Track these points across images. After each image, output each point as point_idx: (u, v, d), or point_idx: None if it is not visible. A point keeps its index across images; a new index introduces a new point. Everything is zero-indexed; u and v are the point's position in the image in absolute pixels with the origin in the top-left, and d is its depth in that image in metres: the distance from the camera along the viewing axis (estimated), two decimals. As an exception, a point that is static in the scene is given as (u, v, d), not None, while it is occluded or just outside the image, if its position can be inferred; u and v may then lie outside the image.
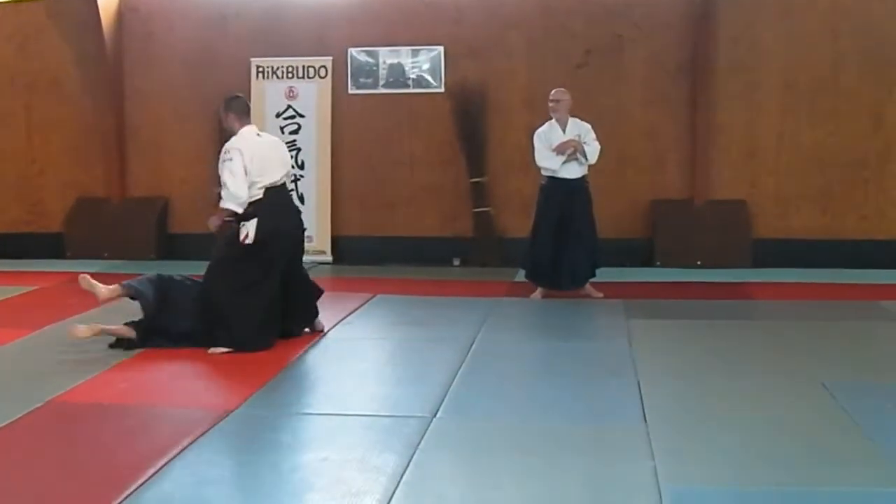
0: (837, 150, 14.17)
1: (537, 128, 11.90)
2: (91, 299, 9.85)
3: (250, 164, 9.31)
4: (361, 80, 15.04)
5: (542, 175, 11.89)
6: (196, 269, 13.89)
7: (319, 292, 10.12)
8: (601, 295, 11.91)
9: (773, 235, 14.26)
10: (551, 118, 11.78)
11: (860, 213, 14.24)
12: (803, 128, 14.26)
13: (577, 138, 11.56)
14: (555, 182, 11.72)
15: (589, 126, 11.71)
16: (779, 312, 11.31)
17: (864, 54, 14.10)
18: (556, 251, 11.75)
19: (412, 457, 6.38)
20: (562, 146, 11.51)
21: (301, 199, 14.97)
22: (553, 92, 11.84)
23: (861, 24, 14.09)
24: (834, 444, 6.69)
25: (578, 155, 11.57)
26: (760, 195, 14.38)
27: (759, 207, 14.37)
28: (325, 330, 10.02)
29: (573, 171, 11.69)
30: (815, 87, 14.22)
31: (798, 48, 14.21)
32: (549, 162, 11.67)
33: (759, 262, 14.01)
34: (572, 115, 11.76)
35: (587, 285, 12.00)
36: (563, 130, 11.65)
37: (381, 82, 14.92)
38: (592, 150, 11.63)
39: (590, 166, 11.77)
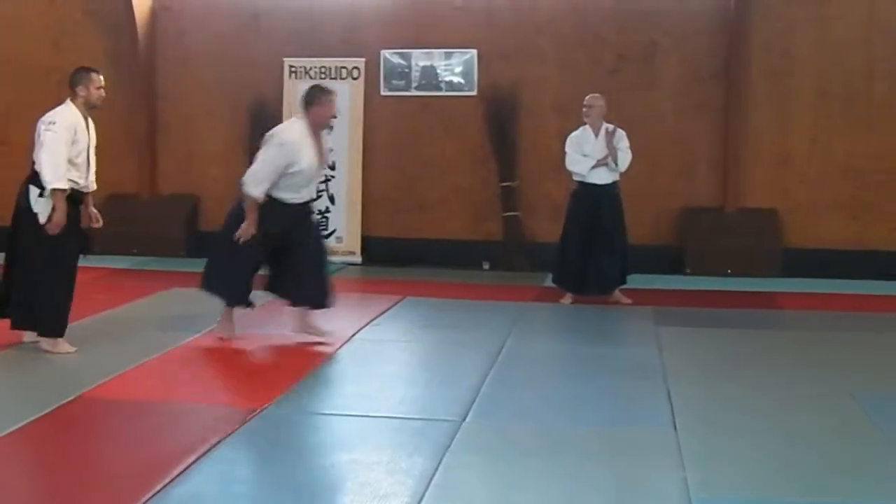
0: (870, 159, 14.09)
1: (569, 133, 11.89)
2: (120, 295, 9.88)
3: None
4: (394, 81, 15.05)
5: (573, 180, 11.87)
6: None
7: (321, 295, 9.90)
8: (629, 301, 11.88)
9: (804, 244, 14.18)
10: (584, 124, 11.76)
11: (892, 223, 14.14)
12: (836, 136, 14.19)
13: (610, 145, 11.52)
14: (585, 187, 11.71)
15: (623, 133, 11.67)
16: (808, 322, 11.24)
17: (898, 62, 14.04)
18: (585, 257, 11.73)
19: (441, 460, 6.37)
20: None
21: (332, 199, 15.00)
22: (587, 98, 11.82)
23: (895, 33, 14.01)
24: (863, 455, 6.66)
25: (609, 160, 11.55)
26: (791, 204, 14.31)
27: (789, 216, 14.31)
28: (352, 334, 10.00)
29: (603, 177, 11.67)
30: (848, 96, 14.15)
31: (831, 56, 14.15)
32: (578, 167, 11.66)
33: (788, 271, 13.94)
34: (606, 121, 11.73)
35: (616, 291, 11.97)
36: (596, 136, 11.62)
37: (414, 84, 14.92)
38: (624, 157, 11.60)
39: (620, 173, 11.75)
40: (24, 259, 9.03)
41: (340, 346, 9.50)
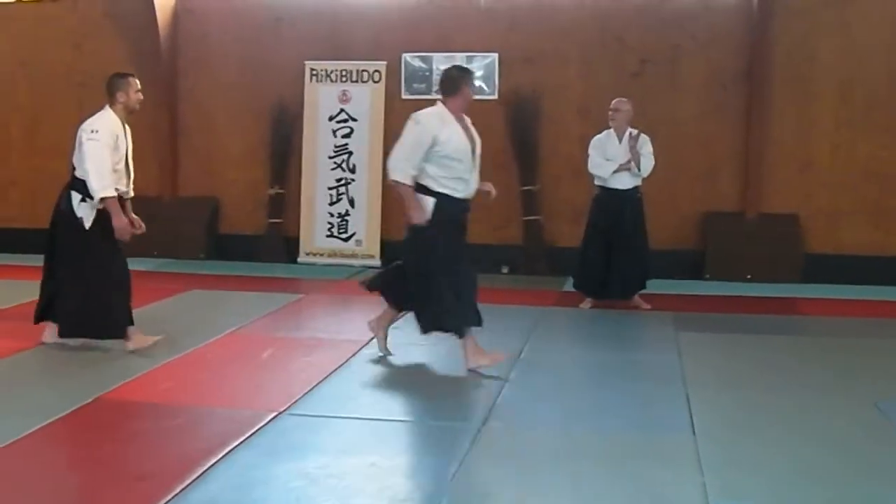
0: (892, 164, 14.06)
1: (591, 137, 11.87)
2: (140, 297, 9.87)
3: None
4: (415, 85, 15.06)
5: (594, 185, 11.85)
6: (243, 270, 14.01)
7: None
8: (649, 307, 11.85)
9: (825, 250, 14.15)
10: (609, 127, 11.72)
11: (914, 230, 14.13)
12: (858, 142, 14.16)
13: (634, 150, 11.47)
14: (607, 192, 11.68)
15: (647, 138, 11.62)
16: (829, 329, 11.21)
17: (921, 69, 14.01)
18: (606, 261, 11.70)
19: (460, 464, 6.36)
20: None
21: (352, 202, 15.03)
22: (614, 101, 11.78)
23: (917, 39, 14.00)
24: (885, 463, 6.61)
25: (632, 165, 11.51)
26: (813, 209, 14.28)
27: (811, 221, 14.28)
28: (371, 337, 9.95)
29: (625, 182, 11.63)
30: (870, 101, 14.12)
31: (854, 61, 14.12)
32: (600, 170, 11.63)
33: (809, 277, 13.91)
34: (631, 126, 11.68)
35: (636, 297, 11.94)
36: (620, 141, 11.58)
37: (435, 88, 14.86)
38: (647, 162, 11.54)
39: (643, 178, 11.71)
40: (68, 265, 9.06)
41: (359, 350, 9.49)
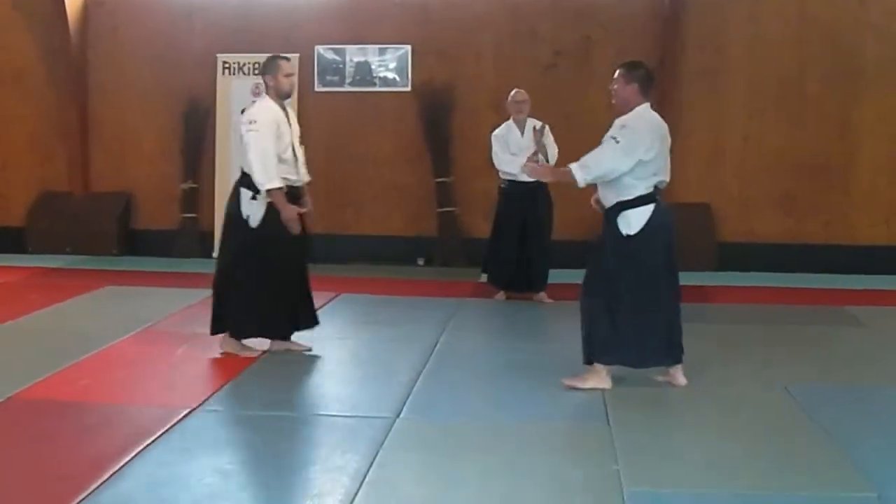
0: (802, 154, 14.24)
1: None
2: (52, 294, 9.77)
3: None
4: (328, 77, 15.01)
5: (500, 178, 11.83)
6: (157, 266, 13.90)
7: None
8: (551, 301, 11.78)
9: (738, 239, 14.31)
10: (509, 119, 11.70)
11: (824, 217, 14.31)
12: (768, 132, 14.33)
13: (541, 142, 11.43)
14: (515, 186, 11.62)
15: (547, 129, 11.60)
16: (742, 316, 11.33)
17: (830, 61, 14.20)
18: (516, 255, 11.71)
19: (375, 457, 6.36)
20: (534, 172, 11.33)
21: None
22: (516, 93, 11.73)
23: (827, 32, 14.17)
24: (797, 448, 6.71)
25: (540, 157, 11.49)
26: (725, 199, 14.43)
27: (723, 211, 14.43)
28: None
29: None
30: (780, 93, 14.29)
31: (764, 53, 14.28)
32: (508, 166, 11.51)
33: (723, 265, 14.07)
34: (529, 116, 11.66)
35: (541, 292, 11.92)
36: (522, 133, 11.56)
37: (348, 80, 14.89)
38: (553, 152, 11.49)
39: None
40: (234, 266, 8.85)
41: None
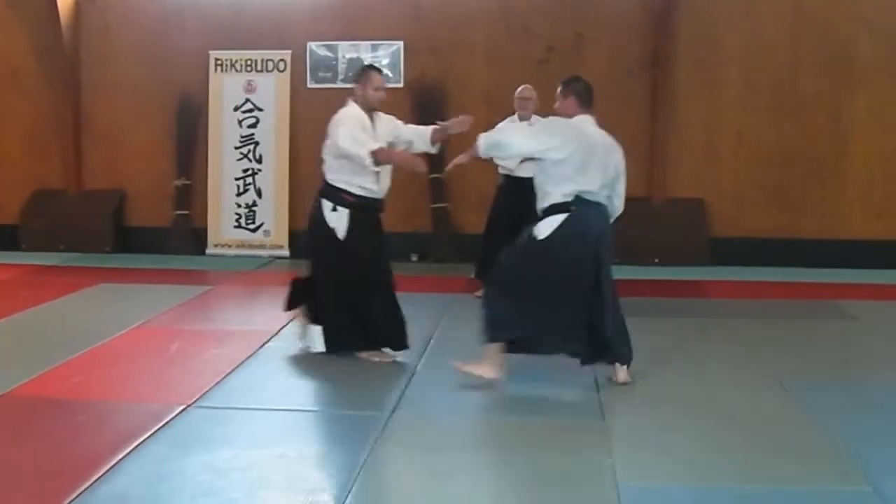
0: (795, 149, 14.25)
1: (495, 125, 11.80)
2: (46, 291, 9.76)
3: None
4: (320, 74, 14.99)
5: (499, 174, 11.81)
6: (151, 263, 13.89)
7: None
8: None
9: (731, 234, 14.30)
10: (514, 115, 11.65)
11: (817, 212, 14.32)
12: (762, 127, 14.33)
13: None
14: (512, 181, 11.58)
15: None
16: (736, 311, 11.33)
17: (824, 55, 14.19)
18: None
19: (370, 452, 6.36)
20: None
21: (259, 193, 14.95)
22: (522, 89, 11.64)
23: (820, 25, 14.17)
24: (791, 442, 6.72)
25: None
26: (718, 193, 14.43)
27: (716, 206, 14.42)
28: (280, 327, 9.91)
29: (531, 171, 11.57)
30: (773, 87, 14.29)
31: (758, 48, 14.28)
32: (506, 161, 11.51)
33: (716, 260, 14.07)
34: (535, 113, 11.63)
35: None
36: None
37: (341, 77, 14.86)
38: None
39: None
40: (328, 277, 8.78)
41: (268, 340, 9.44)
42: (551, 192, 8.00)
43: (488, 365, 7.98)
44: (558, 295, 7.92)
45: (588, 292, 8.00)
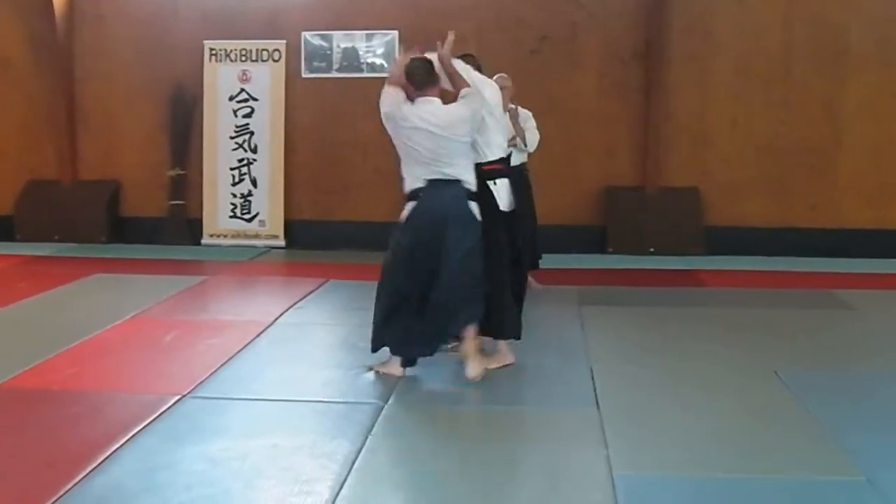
0: (789, 138, 14.26)
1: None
2: (41, 282, 9.75)
3: None
4: (315, 63, 14.98)
5: None
6: (146, 253, 13.88)
7: None
8: (540, 287, 11.69)
9: (725, 223, 14.31)
10: None
11: (811, 201, 14.33)
12: (755, 116, 14.34)
13: (517, 126, 11.29)
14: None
15: (529, 113, 11.50)
16: (731, 300, 11.34)
17: (816, 44, 14.20)
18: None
19: (364, 443, 6.38)
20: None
21: (254, 182, 14.94)
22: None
23: (813, 15, 14.17)
24: (785, 432, 6.74)
25: (518, 141, 11.43)
26: (712, 183, 14.43)
27: (711, 195, 14.43)
28: (275, 318, 9.93)
29: (513, 159, 11.54)
30: (767, 76, 14.30)
31: (751, 37, 14.29)
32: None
33: (711, 249, 14.08)
34: (517, 104, 11.57)
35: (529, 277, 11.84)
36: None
37: (335, 66, 14.86)
38: (532, 137, 11.41)
39: (529, 155, 11.57)
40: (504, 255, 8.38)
41: (263, 330, 9.45)
42: (409, 181, 8.06)
43: (390, 363, 8.00)
44: (402, 284, 7.91)
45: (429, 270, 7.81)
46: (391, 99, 7.98)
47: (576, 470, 6.00)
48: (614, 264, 13.48)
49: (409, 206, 7.97)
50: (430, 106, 7.89)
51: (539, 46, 14.54)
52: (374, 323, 7.97)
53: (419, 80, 7.98)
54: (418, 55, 8.23)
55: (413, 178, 7.95)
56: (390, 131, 7.99)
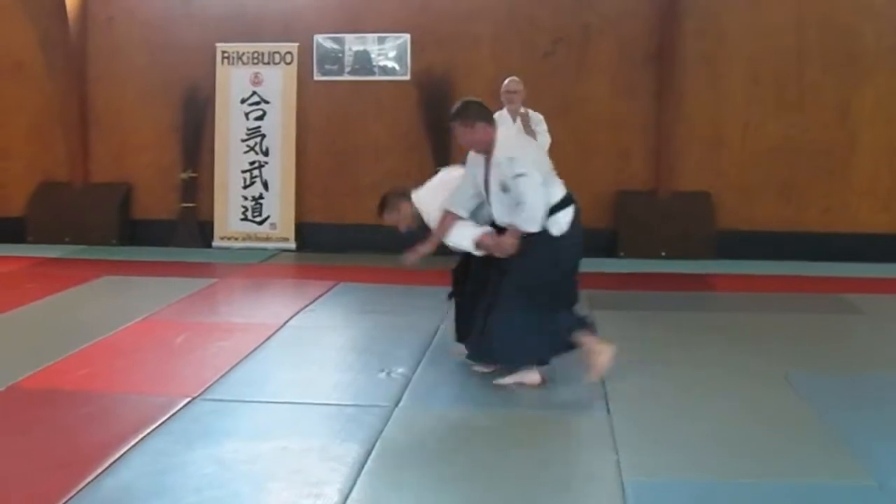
0: (802, 141, 14.23)
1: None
2: (52, 284, 9.75)
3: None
4: (327, 66, 14.98)
5: None
6: (157, 255, 13.89)
7: None
8: None
9: (738, 227, 14.29)
10: (502, 109, 11.48)
11: (824, 205, 14.30)
12: (768, 119, 14.31)
13: (528, 129, 11.24)
14: None
15: (541, 116, 11.47)
16: (742, 304, 11.32)
17: (830, 47, 14.17)
18: None
19: (374, 446, 6.38)
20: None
21: (265, 185, 14.94)
22: (508, 82, 11.48)
23: (826, 17, 14.14)
24: (796, 437, 6.71)
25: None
26: (725, 186, 14.41)
27: (723, 198, 14.40)
28: (286, 320, 9.93)
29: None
30: (780, 79, 14.27)
31: (764, 40, 14.25)
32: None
33: (723, 253, 14.04)
34: (528, 107, 11.54)
35: None
36: (514, 121, 11.43)
37: (347, 69, 14.87)
38: (544, 140, 11.39)
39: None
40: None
41: (274, 333, 9.45)
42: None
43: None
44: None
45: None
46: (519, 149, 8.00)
47: (586, 475, 6.00)
48: (626, 268, 13.46)
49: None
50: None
51: (552, 49, 14.53)
52: (552, 332, 7.87)
53: (489, 114, 7.98)
54: None
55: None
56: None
